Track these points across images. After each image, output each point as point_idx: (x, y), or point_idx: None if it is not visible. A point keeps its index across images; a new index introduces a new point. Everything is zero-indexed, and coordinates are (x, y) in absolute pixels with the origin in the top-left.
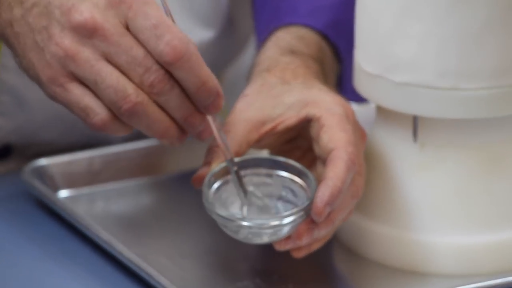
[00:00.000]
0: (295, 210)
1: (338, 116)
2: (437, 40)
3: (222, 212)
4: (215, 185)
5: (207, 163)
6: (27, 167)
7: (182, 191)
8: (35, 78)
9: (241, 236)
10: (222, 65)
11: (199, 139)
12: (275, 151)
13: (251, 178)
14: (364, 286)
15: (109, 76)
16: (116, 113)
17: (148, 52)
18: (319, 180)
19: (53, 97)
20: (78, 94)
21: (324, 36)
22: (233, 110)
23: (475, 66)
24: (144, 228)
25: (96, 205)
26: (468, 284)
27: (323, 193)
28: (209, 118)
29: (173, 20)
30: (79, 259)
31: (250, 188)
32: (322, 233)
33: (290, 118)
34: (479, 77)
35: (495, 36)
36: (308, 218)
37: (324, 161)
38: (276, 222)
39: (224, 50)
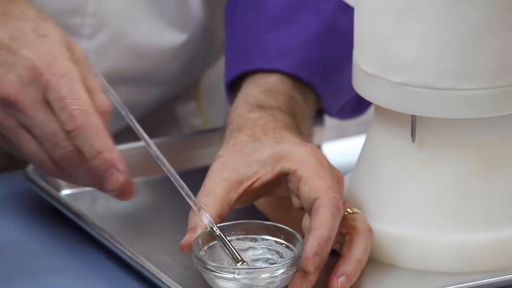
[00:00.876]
0: (285, 262)
1: (313, 166)
2: (436, 41)
3: (214, 266)
4: (205, 247)
5: (193, 228)
6: (30, 166)
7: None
8: None
9: None
10: (198, 69)
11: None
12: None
13: (237, 243)
14: (363, 284)
15: (28, 144)
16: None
17: (60, 127)
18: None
19: None
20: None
21: (297, 77)
22: (209, 173)
23: (474, 66)
24: (146, 226)
25: (98, 204)
26: (468, 281)
27: (311, 244)
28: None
29: (108, 89)
30: (81, 257)
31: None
32: (314, 281)
33: (266, 174)
34: (478, 77)
35: (494, 36)
36: (299, 271)
37: (309, 212)
38: (266, 275)
39: (199, 54)
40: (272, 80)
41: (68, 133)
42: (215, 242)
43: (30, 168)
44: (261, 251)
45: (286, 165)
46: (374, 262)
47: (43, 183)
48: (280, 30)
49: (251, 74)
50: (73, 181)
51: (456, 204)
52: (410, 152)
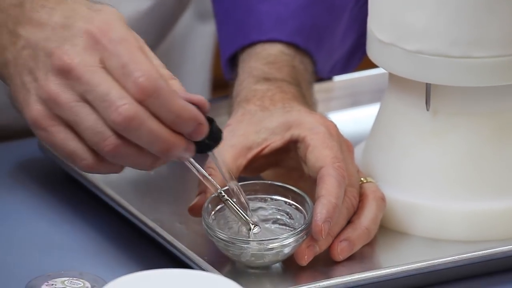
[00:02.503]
0: (296, 231)
1: (322, 134)
2: (450, 9)
3: (224, 236)
4: (213, 211)
5: (202, 191)
6: None
7: (197, 156)
8: (25, 118)
9: (243, 259)
10: (159, 34)
11: (180, 160)
12: (262, 173)
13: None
14: (377, 252)
15: (87, 117)
16: (100, 154)
17: (118, 87)
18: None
19: (40, 139)
20: (62, 138)
21: (294, 45)
22: None
23: (488, 34)
24: (159, 193)
25: None
26: (480, 250)
27: (320, 211)
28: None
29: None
30: (96, 224)
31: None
32: (323, 248)
33: (275, 141)
34: (491, 45)
35: (507, 4)
36: (308, 237)
37: (314, 182)
38: (277, 244)
39: (161, 19)
40: (273, 52)
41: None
42: (223, 205)
43: None
44: (271, 211)
45: (295, 132)
46: (387, 230)
47: None
48: (273, 0)
49: (249, 46)
50: (114, 169)
51: (469, 172)
52: (424, 120)
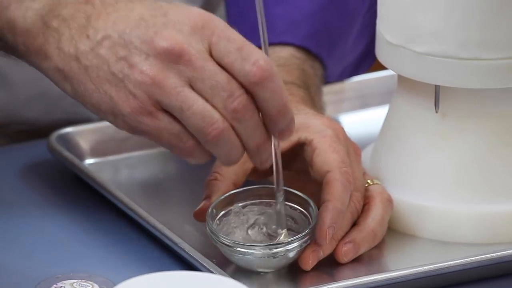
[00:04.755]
0: (300, 235)
1: (329, 138)
2: (460, 11)
3: (228, 241)
4: (218, 216)
5: (208, 196)
6: (54, 135)
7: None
8: (111, 111)
9: (247, 264)
10: None
11: (259, 167)
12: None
13: (252, 208)
14: (386, 255)
15: (196, 102)
16: (201, 139)
17: (232, 77)
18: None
19: (135, 128)
20: (168, 121)
21: (306, 49)
22: None
23: (497, 36)
24: (168, 195)
25: (121, 173)
26: (489, 252)
27: (325, 216)
28: (274, 146)
29: (265, 42)
30: (105, 226)
31: (252, 218)
32: (327, 253)
33: (283, 144)
34: (501, 47)
35: None
36: (312, 241)
37: (320, 184)
38: (281, 249)
39: None
40: (284, 55)
41: (248, 83)
42: (229, 209)
43: (53, 137)
44: (276, 216)
45: (303, 135)
46: (395, 232)
47: (66, 153)
48: (287, 3)
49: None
50: (204, 157)
51: (478, 175)
52: (433, 122)
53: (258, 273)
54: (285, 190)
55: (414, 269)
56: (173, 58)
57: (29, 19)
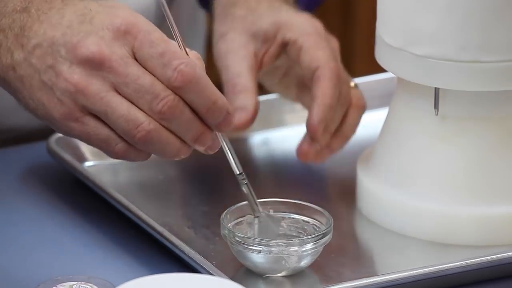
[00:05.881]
0: (316, 235)
1: (313, 36)
2: (459, 13)
3: (244, 236)
4: (231, 223)
5: (243, 108)
6: (53, 138)
7: (205, 161)
8: (46, 117)
9: (259, 264)
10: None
11: (207, 153)
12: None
13: (265, 220)
14: (385, 256)
15: (119, 106)
16: (130, 141)
17: (156, 79)
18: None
19: (68, 133)
20: (95, 126)
21: None
22: (224, 53)
23: (497, 39)
24: (168, 197)
25: (121, 175)
26: (489, 255)
27: (316, 112)
28: (218, 134)
29: (182, 43)
30: (104, 228)
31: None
32: (323, 145)
33: (271, 49)
34: (500, 49)
35: None
36: (307, 136)
37: (310, 82)
38: (296, 248)
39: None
40: None
41: (171, 88)
42: (241, 219)
43: (52, 139)
44: (288, 229)
45: (286, 35)
46: (395, 234)
47: (65, 155)
48: None
49: None
50: (142, 156)
51: (478, 177)
52: (432, 125)
53: (259, 276)
54: (299, 203)
55: (414, 271)
56: (95, 65)
57: None
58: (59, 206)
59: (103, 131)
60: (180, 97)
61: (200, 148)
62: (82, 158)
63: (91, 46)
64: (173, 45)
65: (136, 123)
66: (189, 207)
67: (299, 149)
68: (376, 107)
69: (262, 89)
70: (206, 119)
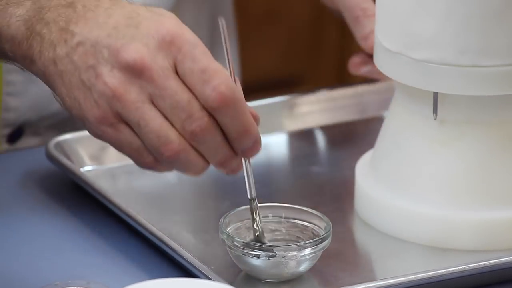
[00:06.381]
0: (315, 240)
1: None
2: (458, 18)
3: (242, 241)
4: (229, 227)
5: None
6: (51, 142)
7: None
8: (80, 117)
9: (258, 268)
10: None
11: (228, 174)
12: None
13: (264, 225)
14: (384, 261)
15: (153, 120)
16: (156, 157)
17: (194, 97)
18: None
19: (100, 136)
20: (129, 135)
21: None
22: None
23: (496, 43)
24: (166, 202)
25: (119, 180)
26: (488, 260)
27: (366, 21)
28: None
29: (231, 65)
30: (103, 233)
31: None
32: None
33: None
34: (500, 54)
35: None
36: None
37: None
38: (295, 252)
39: None
40: None
41: (207, 107)
42: (240, 224)
43: (51, 144)
44: (287, 233)
45: None
46: (394, 239)
47: (64, 160)
48: None
49: None
50: (168, 169)
51: (477, 181)
52: (431, 129)
53: (258, 281)
54: (296, 208)
55: (413, 276)
56: (135, 73)
57: (13, 25)
58: (58, 211)
59: (137, 141)
60: (214, 118)
61: (223, 172)
62: (80, 163)
63: (134, 52)
64: (216, 63)
65: (166, 141)
66: (187, 212)
67: (351, 62)
68: (375, 111)
69: (261, 90)
70: (234, 143)
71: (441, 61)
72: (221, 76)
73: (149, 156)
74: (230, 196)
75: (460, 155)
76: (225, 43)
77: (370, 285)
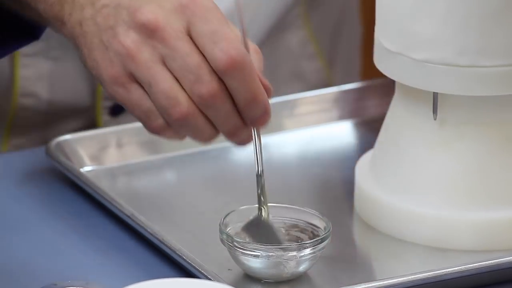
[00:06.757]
0: (315, 240)
1: None
2: (458, 18)
3: (242, 241)
4: (228, 228)
5: None
6: (52, 143)
7: (204, 166)
8: (98, 77)
9: (257, 269)
10: None
11: (237, 146)
12: None
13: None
14: (384, 262)
15: (163, 80)
16: (166, 119)
17: (205, 61)
18: None
19: (113, 97)
20: (140, 96)
21: None
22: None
23: (496, 43)
24: (166, 202)
25: (119, 180)
26: (487, 260)
27: None
28: (253, 130)
29: (244, 34)
30: (103, 233)
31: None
32: None
33: None
34: (500, 54)
35: None
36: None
37: None
38: (294, 253)
39: None
40: None
41: (217, 70)
42: (240, 224)
43: (52, 144)
44: (286, 233)
45: None
46: (393, 239)
47: (64, 160)
48: None
49: None
50: (177, 136)
51: (477, 182)
52: (431, 129)
53: (257, 281)
54: (296, 208)
55: (412, 276)
56: (148, 33)
57: None
58: (58, 211)
59: (146, 102)
60: (225, 82)
61: (232, 142)
62: (81, 163)
63: (149, 13)
64: (230, 28)
65: (175, 102)
66: (187, 212)
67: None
68: (374, 112)
69: None
70: (244, 112)
71: (440, 62)
72: (231, 39)
73: (158, 119)
74: (230, 196)
75: (460, 155)
76: (239, 9)
77: (370, 285)
